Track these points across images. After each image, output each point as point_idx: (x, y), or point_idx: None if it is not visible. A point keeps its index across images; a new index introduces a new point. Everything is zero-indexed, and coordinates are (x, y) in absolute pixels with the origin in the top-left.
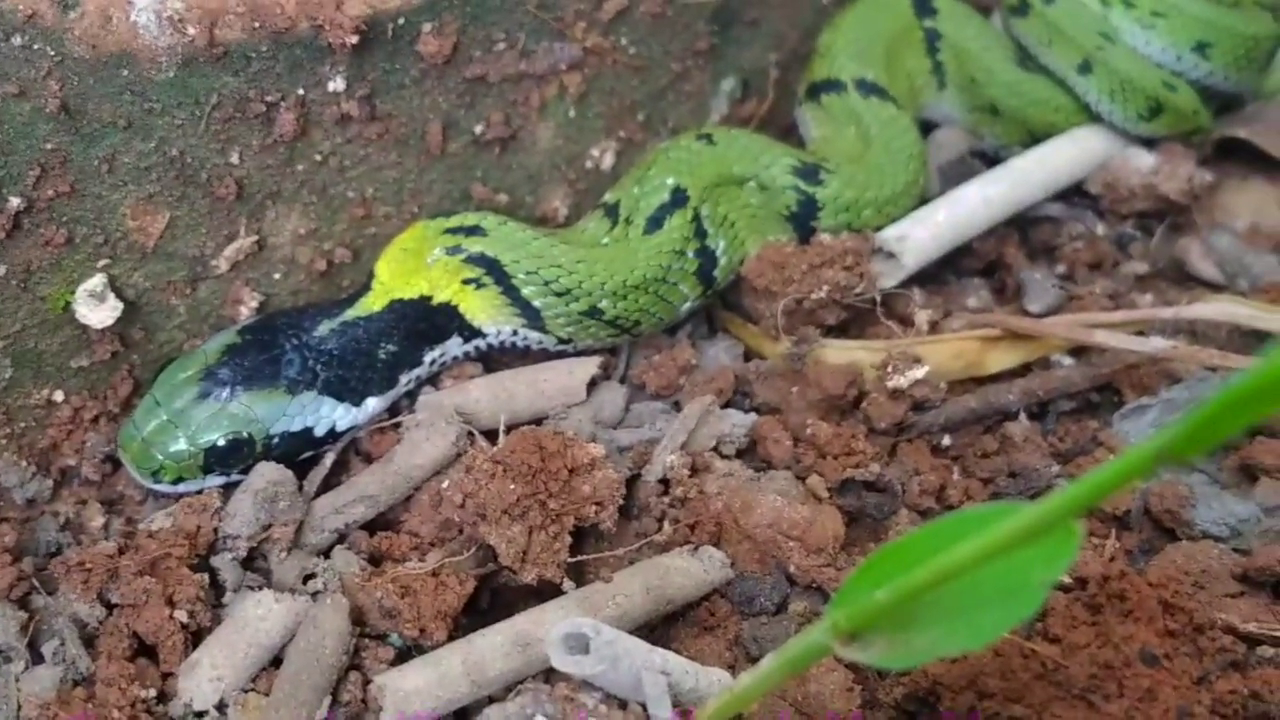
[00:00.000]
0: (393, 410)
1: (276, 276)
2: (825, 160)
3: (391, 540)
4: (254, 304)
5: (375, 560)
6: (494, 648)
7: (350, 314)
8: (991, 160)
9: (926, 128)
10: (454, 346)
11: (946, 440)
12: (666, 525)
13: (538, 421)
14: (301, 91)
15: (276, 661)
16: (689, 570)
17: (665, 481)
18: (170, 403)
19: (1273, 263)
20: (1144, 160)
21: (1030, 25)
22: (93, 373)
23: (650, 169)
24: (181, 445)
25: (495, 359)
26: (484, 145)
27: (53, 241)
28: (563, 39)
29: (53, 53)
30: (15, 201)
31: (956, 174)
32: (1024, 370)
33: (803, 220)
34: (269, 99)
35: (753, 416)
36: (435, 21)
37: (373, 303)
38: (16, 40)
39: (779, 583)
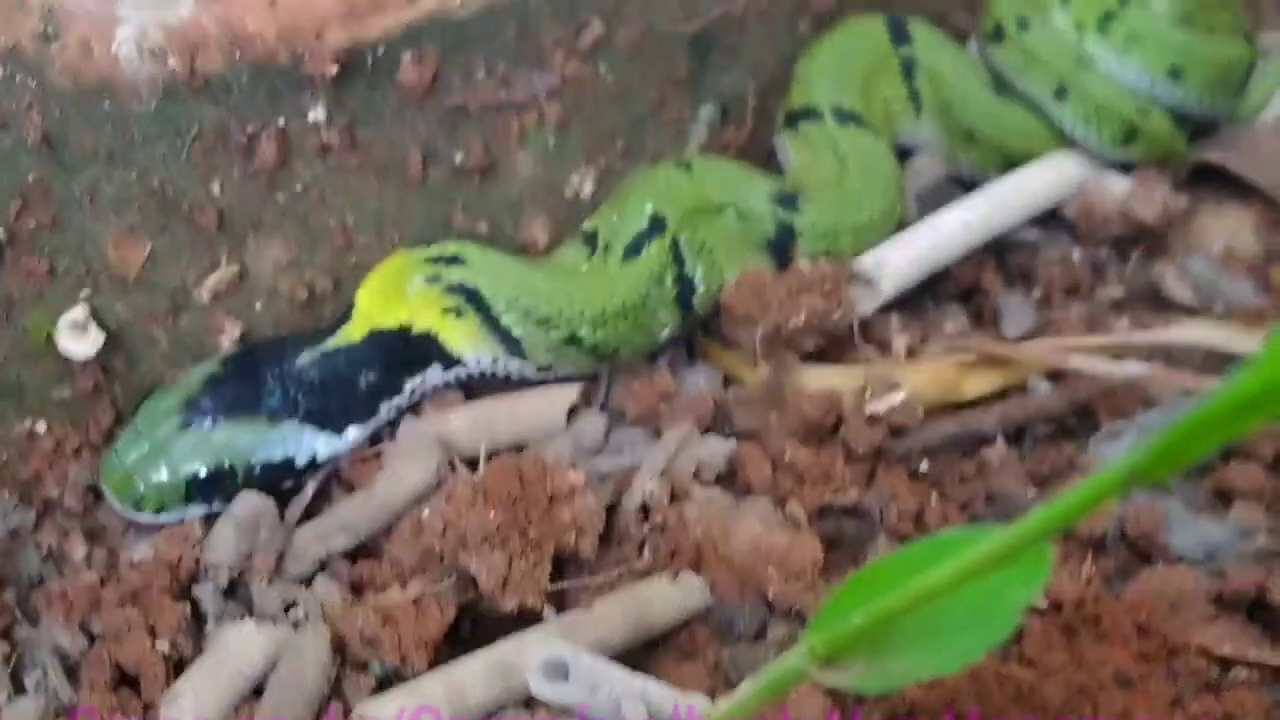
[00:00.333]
0: (374, 439)
1: (258, 306)
2: (803, 188)
3: (373, 568)
4: (235, 334)
5: (357, 588)
6: (474, 675)
7: (331, 343)
8: (969, 186)
9: (904, 154)
10: (434, 375)
11: (924, 465)
12: (646, 552)
13: (518, 449)
14: (282, 121)
15: (258, 691)
16: (669, 597)
17: (645, 508)
18: (152, 433)
19: (1247, 287)
20: (1119, 185)
21: (1006, 52)
22: (75, 404)
23: (629, 197)
24: (163, 475)
25: (475, 387)
26: (464, 174)
27: (35, 272)
28: (542, 67)
29: (34, 84)
30: None
31: (934, 200)
32: (1001, 395)
33: (781, 247)
34: (250, 129)
35: (732, 442)
36: (415, 51)
37: (353, 332)
38: None
39: (758, 608)
